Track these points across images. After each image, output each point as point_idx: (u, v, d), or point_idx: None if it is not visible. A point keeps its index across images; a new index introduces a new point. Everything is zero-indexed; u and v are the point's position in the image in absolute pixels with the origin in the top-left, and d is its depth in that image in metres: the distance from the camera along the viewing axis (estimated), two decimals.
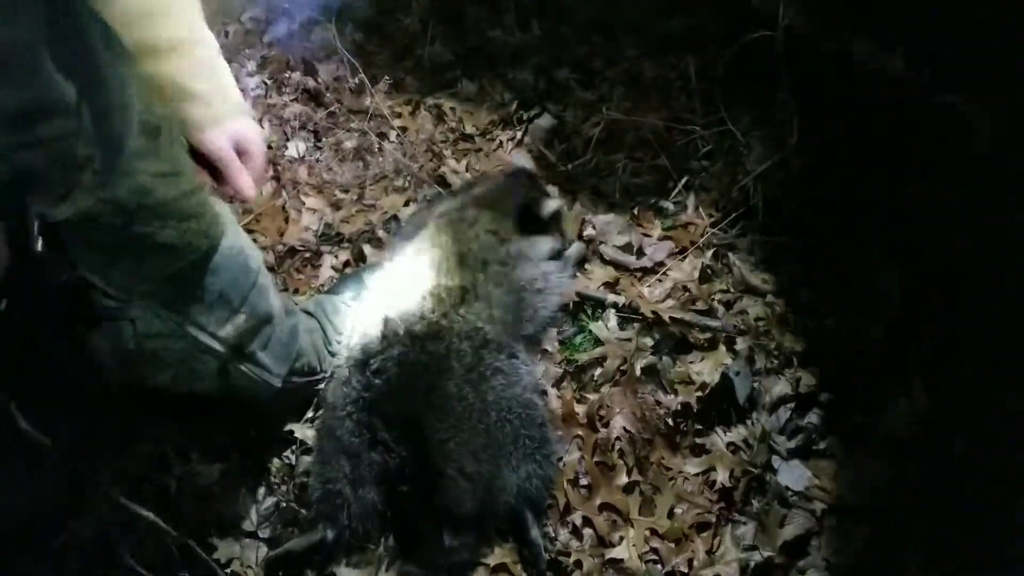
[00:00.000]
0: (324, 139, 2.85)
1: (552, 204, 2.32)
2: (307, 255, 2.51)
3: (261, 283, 1.73)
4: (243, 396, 1.83)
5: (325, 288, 2.37)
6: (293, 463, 2.06)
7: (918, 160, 2.41)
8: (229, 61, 2.92)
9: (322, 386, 2.11)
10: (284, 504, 2.00)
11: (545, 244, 2.29)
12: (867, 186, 2.39)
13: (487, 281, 2.08)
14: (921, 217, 2.36)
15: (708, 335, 2.17)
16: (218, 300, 1.61)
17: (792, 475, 1.96)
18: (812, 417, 2.04)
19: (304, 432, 2.07)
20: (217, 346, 1.64)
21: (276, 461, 2.07)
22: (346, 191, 2.69)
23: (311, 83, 2.99)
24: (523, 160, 2.35)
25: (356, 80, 2.93)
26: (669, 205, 2.48)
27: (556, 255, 2.31)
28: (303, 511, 1.97)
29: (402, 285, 2.09)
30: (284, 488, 2.03)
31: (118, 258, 1.41)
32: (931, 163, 2.45)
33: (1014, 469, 1.91)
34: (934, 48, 2.40)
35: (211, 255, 1.55)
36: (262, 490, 2.02)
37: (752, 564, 1.80)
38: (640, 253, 2.35)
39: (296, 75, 3.02)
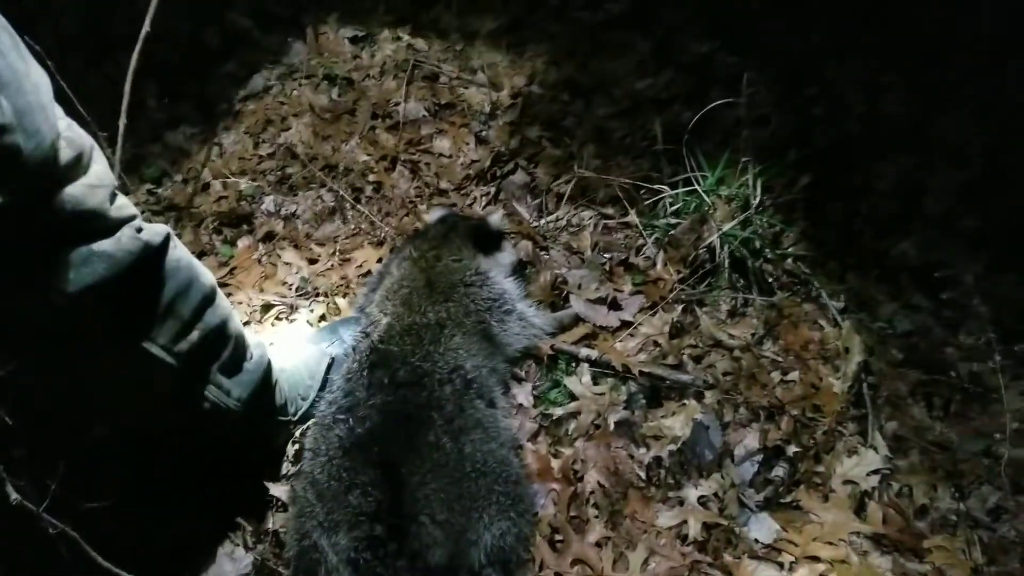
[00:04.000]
0: (300, 193, 2.90)
1: (496, 216, 2.46)
2: (283, 309, 2.54)
3: (218, 302, 1.77)
4: (202, 419, 1.83)
5: None
6: (269, 521, 2.08)
7: (871, 216, 2.53)
8: (207, 116, 3.02)
9: (296, 434, 2.15)
10: (260, 562, 2.01)
11: (506, 257, 2.43)
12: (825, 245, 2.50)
13: (458, 309, 2.16)
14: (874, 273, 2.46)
15: (679, 389, 2.23)
16: (168, 312, 1.64)
17: (761, 528, 2.00)
18: (779, 470, 2.10)
19: (279, 490, 2.08)
20: (170, 359, 1.66)
21: (252, 519, 2.08)
22: (322, 245, 2.74)
23: (286, 138, 3.04)
24: (495, 218, 2.43)
25: (331, 138, 2.98)
26: (639, 261, 2.54)
27: (519, 266, 2.47)
28: (281, 569, 1.98)
29: (378, 328, 2.14)
30: (260, 547, 2.05)
31: (58, 266, 1.43)
32: (890, 220, 2.56)
33: None
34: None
35: (155, 264, 1.59)
36: (239, 549, 2.03)
37: None
38: (612, 308, 2.41)
39: (272, 130, 3.07)
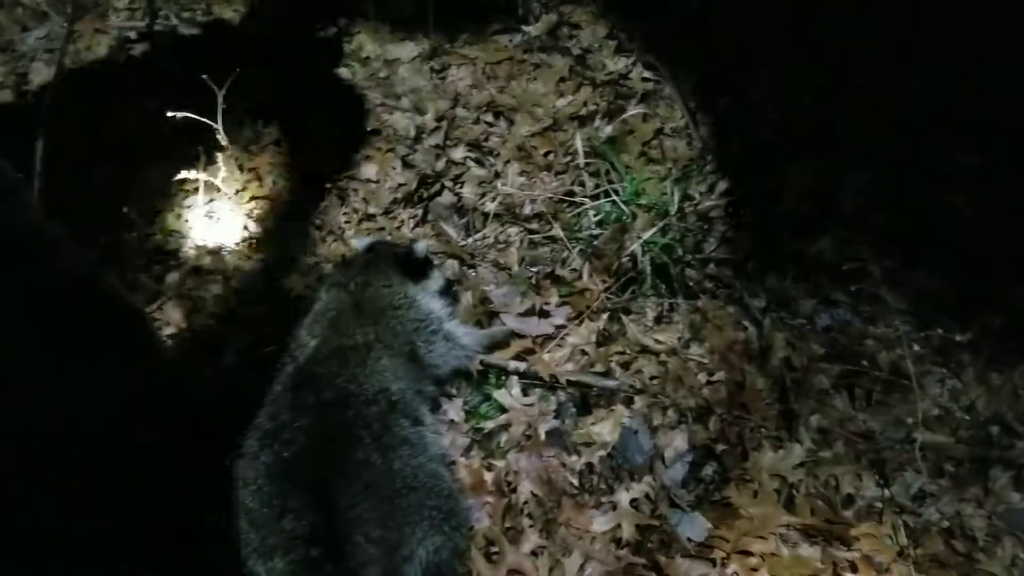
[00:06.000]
0: (230, 224, 2.88)
1: (421, 244, 2.43)
2: (213, 340, 2.52)
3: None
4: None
5: None
6: (205, 552, 2.04)
7: (787, 217, 2.60)
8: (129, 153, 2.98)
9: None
10: None
11: (435, 282, 2.43)
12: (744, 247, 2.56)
13: (386, 331, 2.16)
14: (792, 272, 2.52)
15: (607, 396, 2.26)
16: None
17: (693, 526, 2.03)
18: (708, 469, 2.13)
19: (214, 520, 2.05)
20: None
21: (187, 551, 2.05)
22: (252, 274, 2.72)
23: (211, 172, 3.02)
24: (421, 246, 2.43)
25: (256, 169, 2.98)
26: (565, 273, 2.58)
27: (446, 288, 2.47)
28: None
29: (305, 351, 2.13)
30: None
31: None
32: (806, 220, 2.63)
33: None
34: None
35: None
36: None
37: None
38: (540, 320, 2.44)
39: (199, 166, 3.06)
